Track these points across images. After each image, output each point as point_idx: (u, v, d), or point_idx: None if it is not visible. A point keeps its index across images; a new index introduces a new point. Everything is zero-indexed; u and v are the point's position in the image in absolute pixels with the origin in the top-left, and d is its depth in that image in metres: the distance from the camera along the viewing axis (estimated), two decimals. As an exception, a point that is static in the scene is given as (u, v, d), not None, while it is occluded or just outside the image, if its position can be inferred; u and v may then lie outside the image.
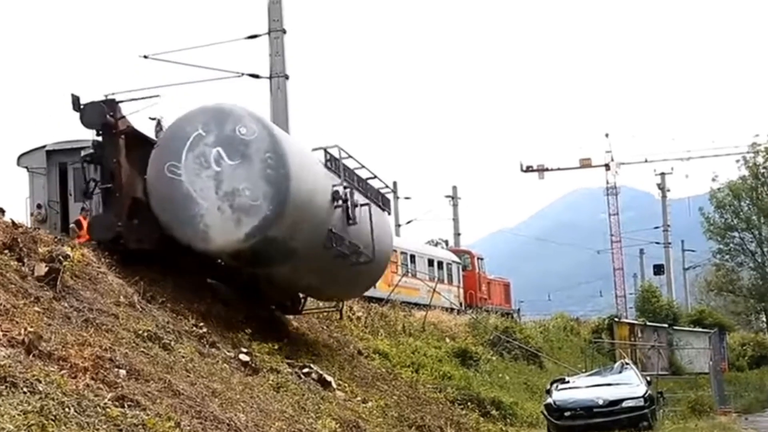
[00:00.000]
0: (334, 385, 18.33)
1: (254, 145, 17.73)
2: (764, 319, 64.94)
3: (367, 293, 37.36)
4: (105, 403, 9.63)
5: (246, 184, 17.61)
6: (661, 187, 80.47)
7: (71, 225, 23.85)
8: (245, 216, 17.54)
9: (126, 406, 9.88)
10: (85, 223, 24.12)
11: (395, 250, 43.25)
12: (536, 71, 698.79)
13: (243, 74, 31.37)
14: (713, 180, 55.68)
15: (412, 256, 44.74)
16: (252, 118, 18.11)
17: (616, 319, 53.90)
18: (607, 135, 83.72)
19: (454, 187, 67.42)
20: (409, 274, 42.53)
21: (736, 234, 54.18)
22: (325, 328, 25.27)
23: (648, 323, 55.81)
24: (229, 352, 16.33)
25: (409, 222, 64.13)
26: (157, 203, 17.99)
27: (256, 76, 31.09)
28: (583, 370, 34.44)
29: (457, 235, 65.85)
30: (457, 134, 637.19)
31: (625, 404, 22.65)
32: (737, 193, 52.94)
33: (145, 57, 32.05)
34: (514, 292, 57.95)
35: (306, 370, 17.98)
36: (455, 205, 66.27)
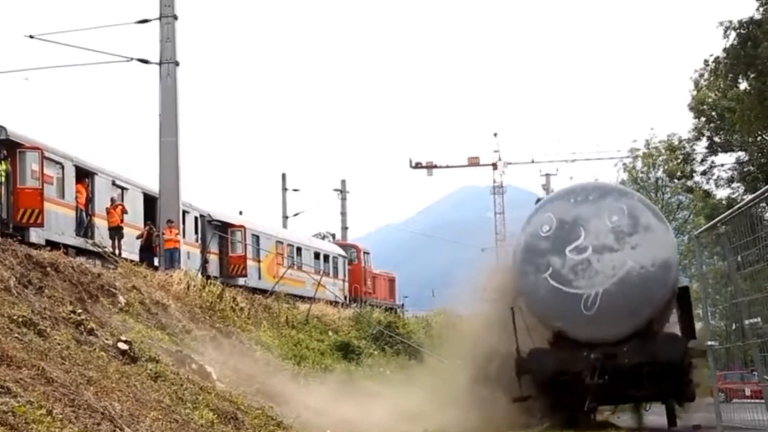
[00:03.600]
0: (214, 376, 18.22)
1: None
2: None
3: (251, 284, 37.32)
4: (-27, 390, 9.40)
5: None
6: (546, 188, 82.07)
7: None
8: None
9: (-4, 393, 9.65)
10: None
11: (281, 242, 43.30)
12: (428, 69, 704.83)
13: (132, 59, 30.93)
14: (594, 183, 56.82)
15: (299, 249, 44.75)
16: None
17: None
18: (495, 134, 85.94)
19: (343, 181, 67.70)
20: (295, 267, 42.53)
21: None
22: (207, 318, 25.06)
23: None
24: (107, 340, 16.09)
25: (296, 214, 64.10)
26: None
27: (146, 62, 30.69)
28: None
29: (344, 228, 66.01)
30: (348, 128, 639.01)
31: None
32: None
33: (31, 37, 31.30)
34: (399, 287, 58.40)
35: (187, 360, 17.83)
36: (343, 199, 66.45)
